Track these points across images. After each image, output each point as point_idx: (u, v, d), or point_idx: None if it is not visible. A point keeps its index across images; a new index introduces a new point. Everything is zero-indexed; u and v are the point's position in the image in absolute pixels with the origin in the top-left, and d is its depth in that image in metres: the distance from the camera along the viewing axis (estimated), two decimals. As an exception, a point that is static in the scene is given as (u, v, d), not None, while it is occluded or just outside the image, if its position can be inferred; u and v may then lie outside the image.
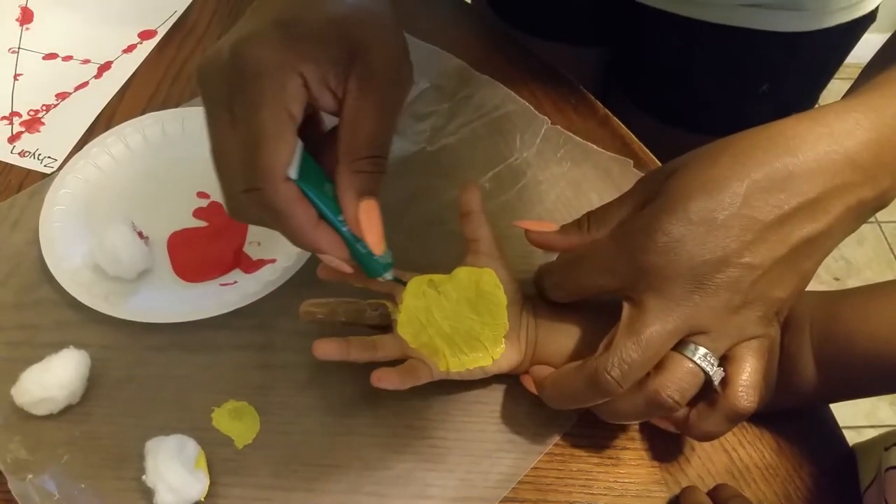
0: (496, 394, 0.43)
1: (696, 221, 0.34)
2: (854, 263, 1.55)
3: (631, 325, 0.36)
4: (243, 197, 0.34)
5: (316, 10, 0.34)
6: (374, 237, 0.35)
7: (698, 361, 0.35)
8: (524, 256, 0.48)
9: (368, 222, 0.35)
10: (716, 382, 0.36)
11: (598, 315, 0.40)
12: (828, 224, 0.35)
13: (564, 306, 0.41)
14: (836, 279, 1.54)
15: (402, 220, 0.51)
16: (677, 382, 0.35)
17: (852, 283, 1.52)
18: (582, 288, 0.39)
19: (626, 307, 0.36)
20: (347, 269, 0.37)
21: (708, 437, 0.38)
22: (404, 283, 0.42)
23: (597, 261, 0.38)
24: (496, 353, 0.41)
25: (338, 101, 0.35)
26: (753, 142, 0.36)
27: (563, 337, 0.41)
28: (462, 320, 0.41)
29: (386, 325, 0.43)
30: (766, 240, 0.34)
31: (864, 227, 1.61)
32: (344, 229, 0.36)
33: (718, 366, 0.36)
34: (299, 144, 0.34)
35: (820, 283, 1.52)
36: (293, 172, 0.34)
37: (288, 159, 0.34)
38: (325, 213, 0.35)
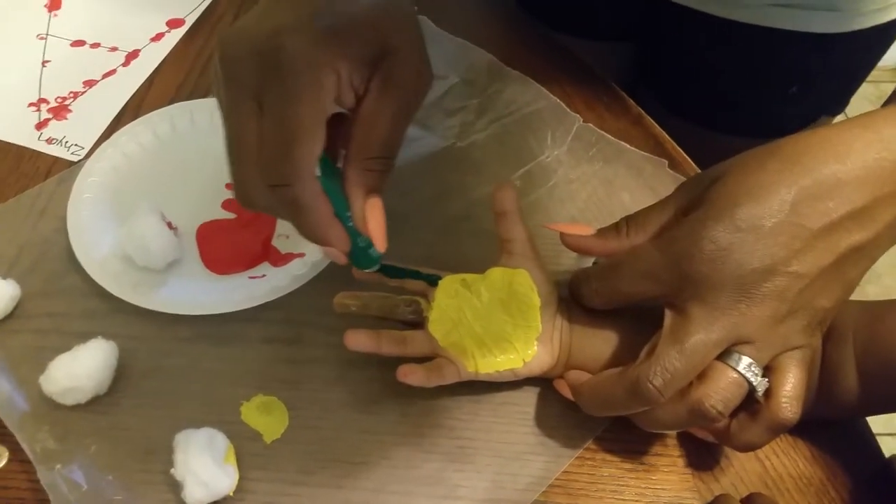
0: (527, 395, 0.43)
1: (743, 229, 0.34)
2: (874, 269, 1.53)
3: (674, 333, 0.35)
4: (265, 189, 0.34)
5: (352, 3, 0.34)
6: (379, 234, 0.36)
7: (742, 371, 0.35)
8: (554, 256, 0.48)
9: (374, 220, 0.36)
10: (759, 393, 0.35)
11: (635, 321, 0.40)
12: (876, 233, 0.34)
13: (600, 311, 0.41)
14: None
15: (432, 216, 0.50)
16: (721, 392, 0.35)
17: (871, 289, 1.51)
18: (622, 296, 0.38)
19: (668, 315, 0.36)
20: (342, 260, 0.37)
21: (749, 447, 0.37)
22: (437, 281, 0.41)
23: (639, 267, 0.37)
24: (527, 356, 0.40)
25: (357, 98, 0.35)
26: (801, 147, 0.35)
27: (599, 342, 0.41)
28: (494, 321, 0.41)
29: (418, 322, 0.42)
30: (814, 248, 0.34)
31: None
32: (349, 224, 0.36)
33: (763, 376, 0.35)
34: None
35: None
36: (318, 172, 0.34)
37: (319, 156, 0.33)
38: (336, 207, 0.35)
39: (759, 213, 0.34)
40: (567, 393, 0.40)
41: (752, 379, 0.35)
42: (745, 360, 0.35)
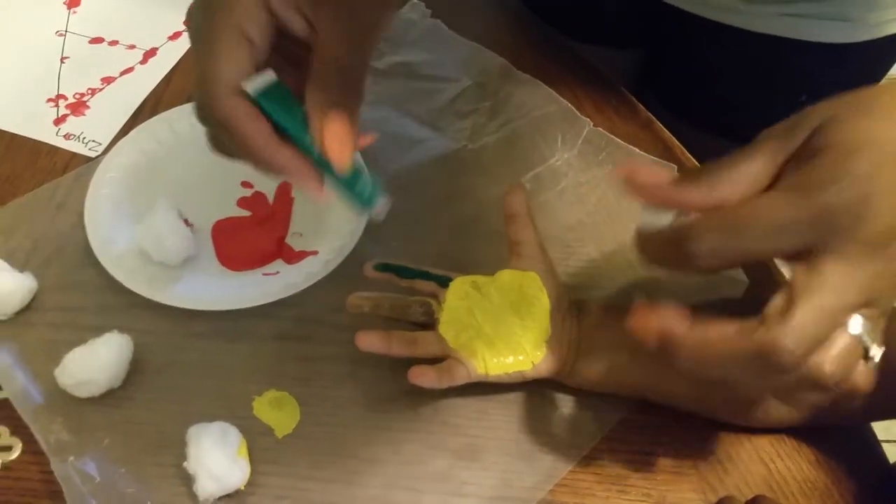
0: (535, 395, 0.43)
1: (887, 172, 0.30)
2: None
3: (810, 293, 0.31)
4: (201, 117, 0.34)
5: None
6: (335, 151, 0.33)
7: (861, 334, 0.32)
8: (563, 259, 0.48)
9: (332, 136, 0.33)
10: (876, 359, 0.33)
11: None
12: None
13: (609, 313, 0.41)
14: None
15: (443, 217, 0.51)
16: (840, 358, 0.32)
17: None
18: (748, 255, 0.32)
19: (799, 271, 0.31)
20: (321, 194, 0.35)
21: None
22: (448, 283, 0.42)
23: (774, 220, 0.31)
24: (536, 358, 0.41)
25: (310, 25, 0.34)
26: None
27: (609, 345, 0.41)
28: (503, 323, 0.41)
29: (429, 324, 0.43)
30: None
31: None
32: (317, 154, 0.34)
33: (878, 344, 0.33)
34: (269, 74, 0.34)
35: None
36: (250, 89, 0.33)
37: (237, 75, 0.33)
38: (297, 138, 0.34)
39: None
40: (648, 335, 0.33)
41: (868, 343, 0.32)
42: (866, 324, 0.32)
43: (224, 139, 0.35)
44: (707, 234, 0.32)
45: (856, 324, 0.32)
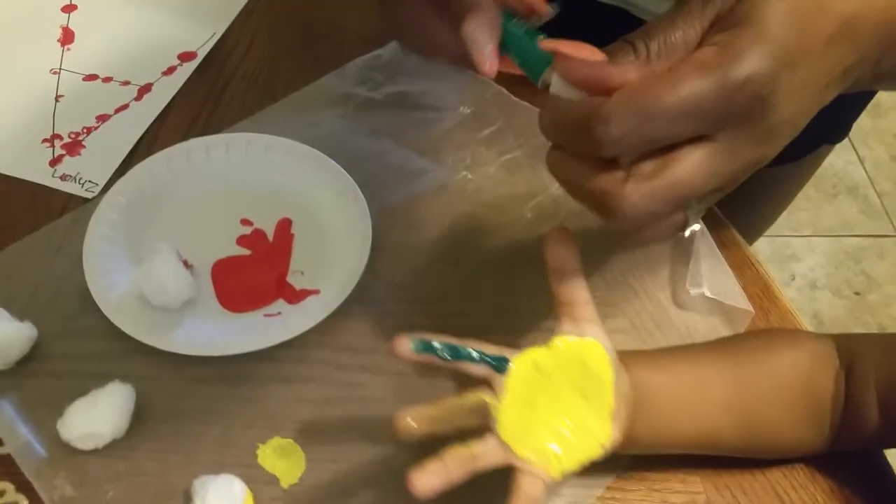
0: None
1: (792, 63, 0.29)
2: (875, 279, 1.54)
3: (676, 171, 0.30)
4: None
5: None
6: None
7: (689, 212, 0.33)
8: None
9: None
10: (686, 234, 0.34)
11: (701, 373, 0.39)
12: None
13: (662, 366, 0.39)
14: (857, 294, 1.53)
15: (444, 248, 0.50)
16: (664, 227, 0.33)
17: (873, 297, 1.51)
18: (655, 139, 0.30)
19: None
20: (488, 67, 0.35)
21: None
22: (504, 364, 0.36)
23: (685, 103, 0.29)
24: (604, 439, 0.36)
25: None
26: None
27: (669, 395, 0.38)
28: (568, 407, 0.36)
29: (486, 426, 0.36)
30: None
31: (885, 242, 1.59)
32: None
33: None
34: None
35: (841, 297, 1.51)
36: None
37: None
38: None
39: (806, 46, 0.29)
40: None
41: (690, 220, 0.33)
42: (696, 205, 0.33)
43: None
44: (612, 118, 0.29)
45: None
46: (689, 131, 0.30)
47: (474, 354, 0.36)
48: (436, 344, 0.35)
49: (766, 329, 0.48)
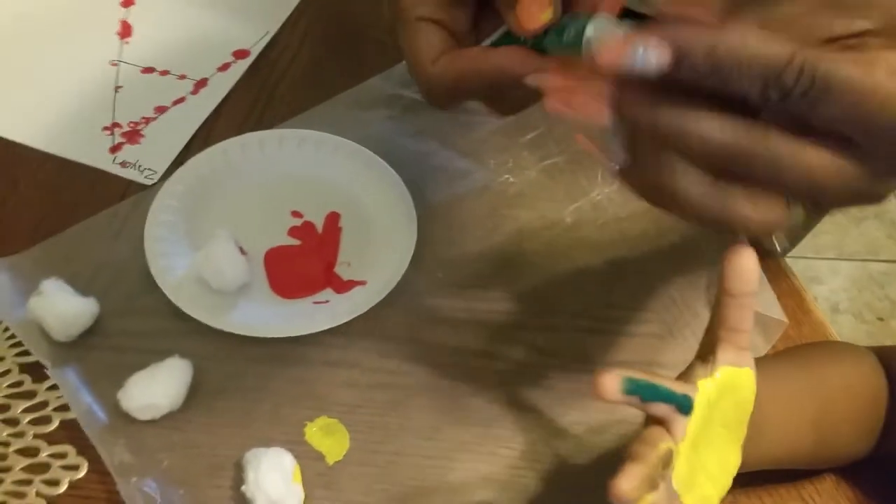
0: (582, 427, 0.44)
1: None
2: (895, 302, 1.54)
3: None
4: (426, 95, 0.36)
5: None
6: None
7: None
8: (606, 294, 0.50)
9: None
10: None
11: (783, 372, 0.38)
12: None
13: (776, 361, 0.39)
14: (880, 319, 1.53)
15: (486, 248, 0.52)
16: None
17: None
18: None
19: None
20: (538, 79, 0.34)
21: None
22: (688, 404, 0.32)
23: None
24: (735, 469, 0.34)
25: None
26: None
27: (789, 403, 0.38)
28: (716, 441, 0.33)
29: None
30: None
31: (908, 269, 1.59)
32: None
33: None
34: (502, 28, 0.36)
35: (863, 321, 1.51)
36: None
37: (434, 53, 0.35)
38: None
39: None
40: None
41: None
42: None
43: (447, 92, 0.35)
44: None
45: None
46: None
47: (667, 393, 0.32)
48: (641, 382, 0.31)
49: (824, 342, 0.48)
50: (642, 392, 0.31)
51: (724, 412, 0.33)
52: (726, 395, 0.33)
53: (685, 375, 0.34)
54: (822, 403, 0.40)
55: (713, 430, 0.33)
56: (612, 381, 0.31)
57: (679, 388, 0.32)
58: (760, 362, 0.36)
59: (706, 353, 0.34)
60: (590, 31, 0.31)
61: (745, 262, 0.32)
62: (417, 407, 0.45)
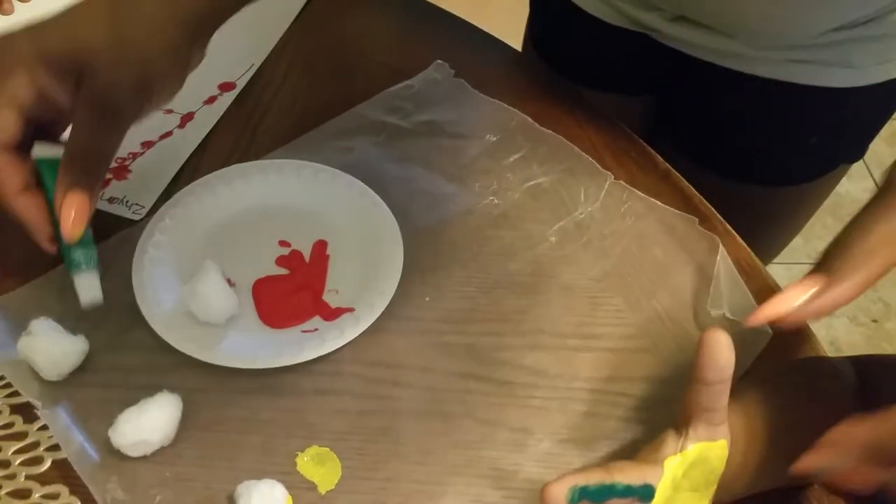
0: (572, 446, 0.44)
1: None
2: (893, 306, 1.55)
3: None
4: None
5: (63, 30, 0.42)
6: (66, 225, 0.42)
7: None
8: (591, 310, 0.50)
9: (67, 211, 0.42)
10: None
11: (779, 400, 0.38)
12: None
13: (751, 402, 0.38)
14: (875, 321, 1.53)
15: (472, 270, 0.52)
16: None
17: (891, 325, 1.52)
18: None
19: None
20: (48, 247, 0.44)
21: None
22: (650, 494, 0.34)
23: None
24: None
25: (60, 110, 0.43)
26: None
27: (775, 432, 0.38)
28: (687, 502, 0.36)
29: None
30: None
31: (904, 271, 1.60)
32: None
33: None
34: (60, 148, 0.43)
35: (858, 324, 1.51)
36: (34, 153, 0.43)
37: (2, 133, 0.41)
38: (50, 202, 0.43)
39: None
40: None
41: None
42: None
43: None
44: None
45: None
46: None
47: (624, 489, 0.34)
48: (591, 488, 0.33)
49: (799, 362, 0.47)
50: (592, 497, 0.33)
51: (693, 480, 0.35)
52: (696, 466, 0.35)
53: (657, 445, 0.35)
54: (799, 438, 0.39)
55: (681, 495, 0.34)
56: (557, 493, 0.33)
57: (640, 474, 0.34)
58: (739, 398, 0.37)
59: (680, 425, 0.35)
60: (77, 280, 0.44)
61: (720, 354, 0.33)
62: (408, 432, 0.45)
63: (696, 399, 0.34)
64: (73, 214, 0.42)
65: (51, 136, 0.45)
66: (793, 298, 0.33)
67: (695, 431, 0.35)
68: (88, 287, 0.44)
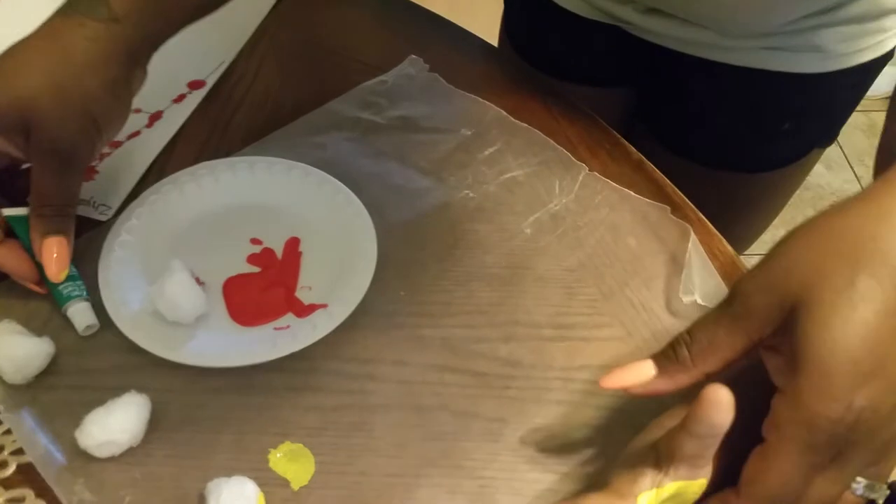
0: (546, 435, 0.44)
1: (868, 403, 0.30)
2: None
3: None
4: None
5: (11, 84, 0.43)
6: (51, 268, 0.45)
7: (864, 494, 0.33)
8: (566, 300, 0.50)
9: (48, 255, 0.45)
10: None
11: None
12: None
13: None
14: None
15: (448, 264, 0.52)
16: None
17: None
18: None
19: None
20: (38, 289, 0.47)
21: None
22: None
23: (793, 478, 0.31)
24: None
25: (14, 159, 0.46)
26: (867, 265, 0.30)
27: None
28: None
29: None
30: None
31: None
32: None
33: None
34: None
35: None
36: (4, 213, 0.46)
37: None
38: (30, 252, 0.46)
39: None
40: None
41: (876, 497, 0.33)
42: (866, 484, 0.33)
43: None
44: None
45: (858, 486, 0.32)
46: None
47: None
48: None
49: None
50: None
51: None
52: (670, 500, 0.34)
53: (634, 477, 0.35)
54: None
55: None
56: None
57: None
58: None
59: (661, 460, 0.34)
60: (70, 312, 0.47)
61: (717, 414, 0.32)
62: (382, 425, 0.44)
63: (682, 445, 0.33)
64: (55, 256, 0.45)
65: (12, 183, 0.48)
66: (636, 375, 0.35)
67: (676, 471, 0.34)
68: (83, 316, 0.46)
